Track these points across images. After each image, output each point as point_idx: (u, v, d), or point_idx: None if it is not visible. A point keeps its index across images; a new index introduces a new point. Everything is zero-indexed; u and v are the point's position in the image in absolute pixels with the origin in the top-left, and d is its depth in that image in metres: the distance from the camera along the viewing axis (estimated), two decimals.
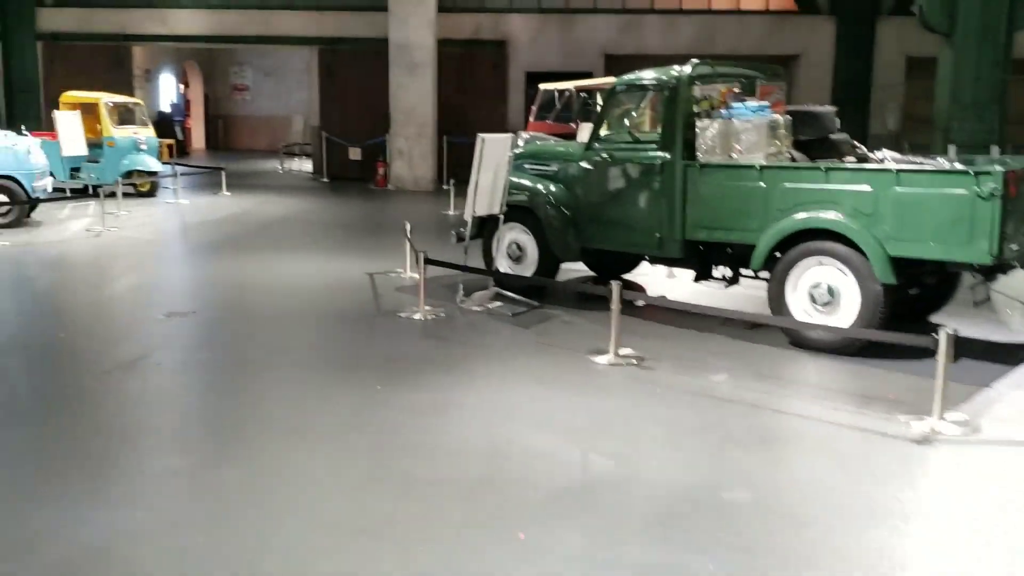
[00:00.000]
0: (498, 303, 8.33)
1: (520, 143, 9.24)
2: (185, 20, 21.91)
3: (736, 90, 7.56)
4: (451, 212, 15.16)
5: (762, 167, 7.10)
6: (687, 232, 7.58)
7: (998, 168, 6.08)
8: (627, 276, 9.62)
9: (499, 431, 5.26)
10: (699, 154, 7.48)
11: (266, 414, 5.49)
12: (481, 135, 8.06)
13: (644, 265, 9.08)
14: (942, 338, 5.26)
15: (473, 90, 20.58)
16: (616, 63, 20.57)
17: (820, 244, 6.85)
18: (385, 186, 19.60)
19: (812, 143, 7.73)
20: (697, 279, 7.86)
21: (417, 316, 7.85)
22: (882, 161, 7.64)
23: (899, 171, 6.46)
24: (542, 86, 15.88)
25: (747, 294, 8.27)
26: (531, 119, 15.90)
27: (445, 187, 18.18)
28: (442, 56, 19.50)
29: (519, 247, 8.81)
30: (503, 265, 8.88)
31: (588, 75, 19.57)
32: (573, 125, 14.83)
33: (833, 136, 7.92)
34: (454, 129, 19.66)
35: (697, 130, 7.47)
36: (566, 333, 7.47)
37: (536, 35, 21.16)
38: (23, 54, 21.65)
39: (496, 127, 20.02)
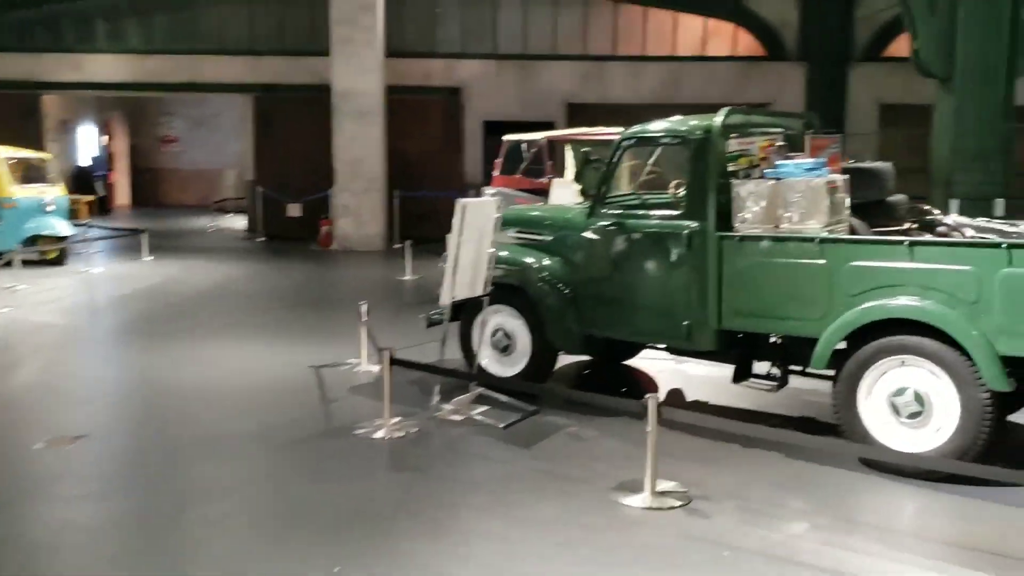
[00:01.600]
0: (483, 407, 6.66)
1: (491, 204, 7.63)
2: (104, 66, 19.96)
3: (779, 143, 6.09)
4: (407, 277, 13.46)
5: (823, 240, 5.60)
6: (723, 320, 6.02)
7: None
8: (629, 361, 8.06)
9: None
10: (737, 223, 5.97)
11: None
12: (462, 200, 6.44)
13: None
14: None
15: (426, 140, 19.00)
16: (579, 112, 19.27)
17: (904, 339, 5.35)
18: (329, 246, 17.81)
19: (868, 207, 6.27)
20: (737, 379, 6.29)
21: (380, 434, 6.11)
22: (956, 228, 6.22)
23: (1012, 246, 5.00)
24: (507, 137, 14.40)
25: (801, 397, 6.74)
26: (496, 173, 14.37)
27: (397, 246, 16.52)
28: (391, 104, 17.93)
29: (507, 334, 7.16)
30: (487, 357, 7.22)
31: (550, 125, 18.19)
32: (545, 180, 13.33)
33: (891, 198, 6.49)
34: (406, 183, 18.02)
35: (733, 194, 5.97)
36: (578, 455, 5.81)
37: (493, 82, 19.76)
38: None
39: (452, 180, 18.53)
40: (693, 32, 20.11)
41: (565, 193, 12.49)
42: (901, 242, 5.35)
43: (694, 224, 6.11)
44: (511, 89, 19.76)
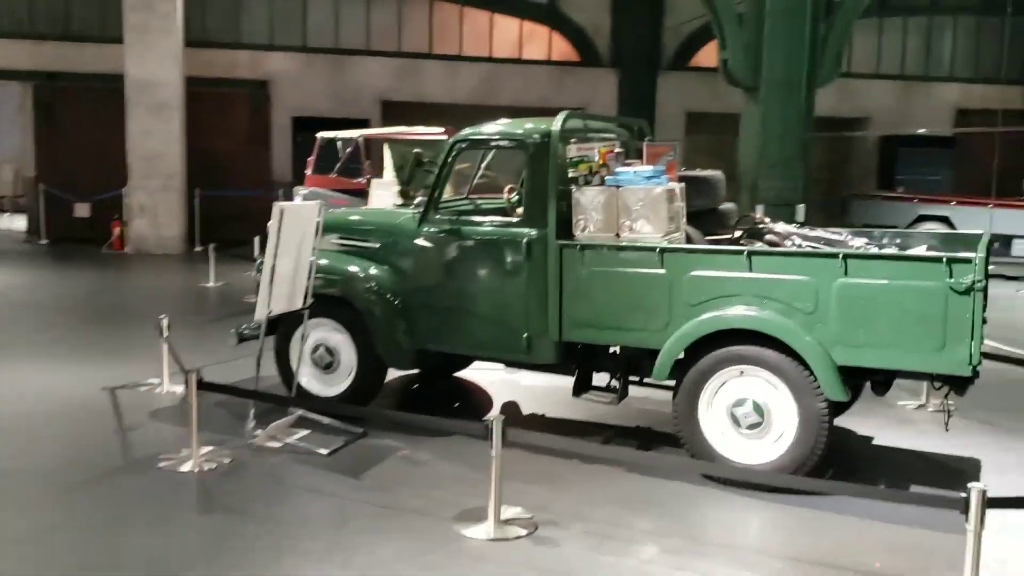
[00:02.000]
0: (304, 432, 6.09)
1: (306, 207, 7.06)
2: None
3: (618, 150, 5.91)
4: (211, 284, 12.50)
5: (664, 250, 5.46)
6: (564, 332, 5.77)
7: (978, 255, 4.80)
8: (459, 372, 7.71)
9: None
10: (577, 231, 5.74)
11: None
12: (279, 204, 5.83)
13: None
14: (974, 497, 3.79)
15: (231, 136, 17.83)
16: (395, 110, 18.78)
17: (743, 350, 5.29)
18: (122, 249, 16.37)
19: (701, 215, 6.22)
20: (577, 392, 6.06)
21: (188, 466, 5.43)
22: (786, 237, 6.28)
23: (846, 257, 5.03)
24: (321, 134, 13.69)
25: (641, 407, 6.60)
26: (309, 172, 13.62)
27: (198, 249, 15.41)
28: (192, 96, 16.68)
29: (329, 350, 6.60)
30: (307, 375, 6.65)
31: (365, 123, 17.60)
32: (363, 181, 12.76)
33: (722, 207, 6.48)
34: (209, 181, 16.84)
35: (574, 201, 5.73)
36: (414, 482, 5.36)
37: (303, 76, 18.88)
38: None
39: (259, 178, 17.47)
40: (510, 34, 20.09)
41: (385, 194, 12.00)
42: (740, 252, 5.28)
43: (533, 232, 5.83)
44: (322, 84, 18.97)
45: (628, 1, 19.70)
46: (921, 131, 19.62)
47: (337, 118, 17.59)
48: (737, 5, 13.65)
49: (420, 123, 14.48)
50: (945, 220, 15.08)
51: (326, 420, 6.27)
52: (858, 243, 6.29)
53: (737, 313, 5.26)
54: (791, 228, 6.35)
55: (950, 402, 5.24)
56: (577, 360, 6.04)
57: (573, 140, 5.93)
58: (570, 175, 5.78)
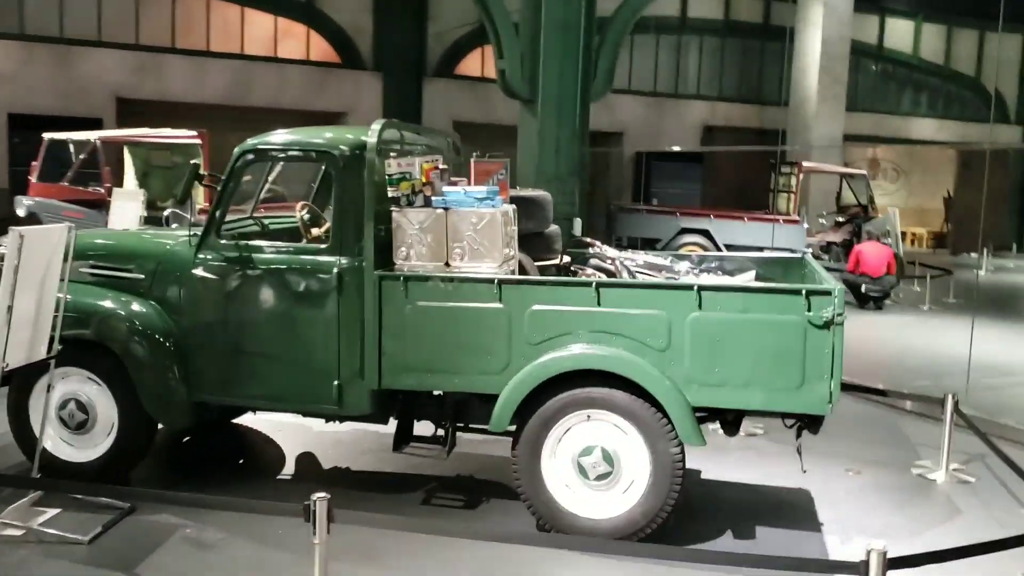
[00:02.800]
0: (54, 511, 4.83)
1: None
2: None
3: (442, 166, 5.18)
4: None
5: (502, 282, 4.80)
6: (384, 378, 4.95)
7: (838, 285, 4.55)
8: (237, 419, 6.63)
9: None
10: (398, 260, 4.95)
11: None
12: (17, 229, 4.55)
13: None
14: (874, 561, 3.46)
15: None
16: (133, 109, 16.81)
17: (592, 392, 4.74)
18: None
19: (528, 239, 5.63)
20: (398, 445, 5.23)
21: None
22: (617, 262, 5.84)
23: (700, 289, 4.62)
24: (48, 136, 11.77)
25: (466, 452, 5.87)
26: (33, 178, 11.67)
27: None
28: None
29: (82, 406, 5.33)
30: (54, 439, 5.34)
31: (98, 122, 15.58)
32: (102, 190, 11.08)
33: (548, 230, 5.93)
34: None
35: (395, 225, 4.94)
36: (206, 572, 4.33)
37: (21, 68, 16.41)
38: None
39: None
40: (263, 30, 18.69)
41: (130, 206, 10.50)
42: (588, 284, 4.73)
43: (344, 261, 4.96)
44: (44, 78, 16.62)
45: (390, 3, 18.96)
46: (674, 148, 20.45)
47: (64, 116, 15.44)
48: (512, 15, 13.35)
49: (165, 124, 12.94)
50: (706, 233, 15.66)
51: (83, 495, 5.04)
52: (682, 268, 6.01)
53: (585, 352, 4.71)
54: (623, 254, 5.95)
55: (799, 440, 4.99)
56: (396, 409, 5.24)
57: (392, 153, 5.13)
58: (389, 194, 4.97)
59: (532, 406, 4.80)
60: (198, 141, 11.99)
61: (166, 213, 11.07)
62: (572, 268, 5.83)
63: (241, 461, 6.16)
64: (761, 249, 15.60)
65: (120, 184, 12.11)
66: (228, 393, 5.26)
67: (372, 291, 4.88)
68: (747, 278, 5.71)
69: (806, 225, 15.80)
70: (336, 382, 4.99)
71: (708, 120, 22.25)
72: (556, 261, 5.87)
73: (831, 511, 5.40)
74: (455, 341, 4.85)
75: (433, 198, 4.94)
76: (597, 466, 4.76)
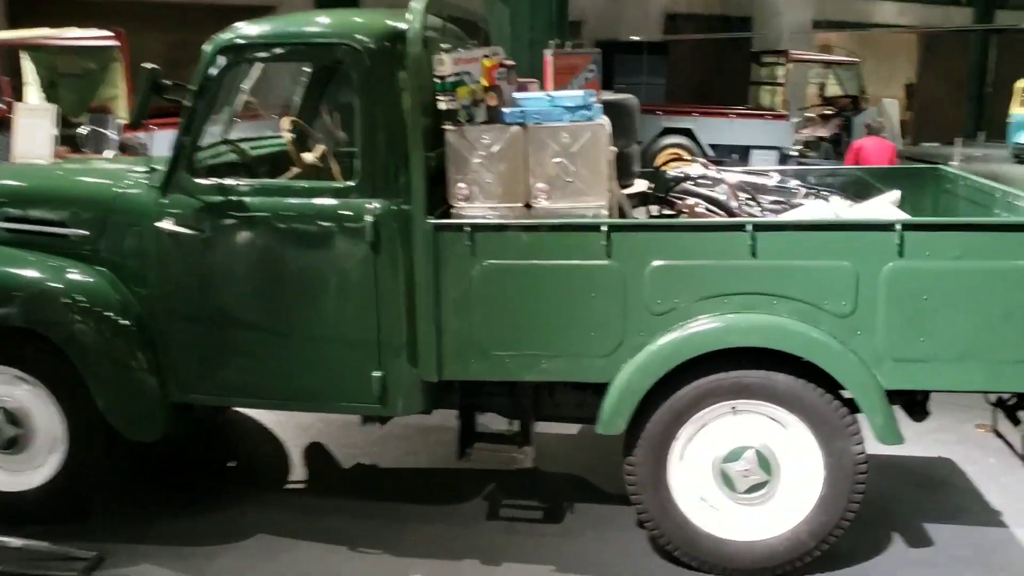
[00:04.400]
0: None
1: None
2: None
3: (508, 62, 3.67)
4: None
5: (611, 228, 3.39)
6: (446, 367, 3.53)
7: None
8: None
9: None
10: (457, 203, 3.49)
11: None
12: None
13: None
14: None
15: None
16: (26, 7, 14.41)
17: (741, 377, 3.44)
18: None
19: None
20: (463, 449, 3.84)
21: None
22: (718, 183, 4.45)
23: (906, 227, 3.28)
24: None
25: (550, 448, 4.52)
26: None
27: None
28: None
29: (11, 416, 3.82)
30: None
31: None
32: (2, 106, 9.15)
33: (630, 148, 4.48)
34: None
35: (449, 150, 3.46)
36: None
37: None
38: None
39: None
40: None
41: (40, 125, 8.64)
42: (741, 226, 3.35)
43: (379, 205, 3.48)
44: None
45: None
46: (635, 38, 18.85)
47: None
48: None
49: (72, 23, 10.87)
50: (688, 132, 14.34)
51: (20, 542, 3.61)
52: (796, 186, 4.67)
53: (735, 323, 3.37)
54: (715, 172, 4.56)
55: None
56: (455, 400, 3.85)
57: (444, 46, 3.60)
58: (440, 106, 3.47)
59: (654, 397, 3.47)
60: (116, 43, 10.02)
61: (82, 131, 9.23)
62: (659, 198, 4.42)
63: (232, 464, 4.72)
64: (747, 148, 14.41)
65: (20, 98, 10.11)
66: (221, 390, 3.79)
67: (425, 247, 3.42)
68: (889, 200, 4.39)
69: (795, 120, 14.60)
70: (377, 373, 3.57)
71: (671, 7, 20.62)
72: (634, 189, 4.47)
73: None
74: (544, 313, 3.45)
75: (503, 110, 3.46)
76: (749, 474, 3.49)
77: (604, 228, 3.35)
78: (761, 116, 14.36)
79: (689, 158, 14.10)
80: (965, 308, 3.27)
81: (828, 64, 16.00)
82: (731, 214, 4.16)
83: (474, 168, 3.47)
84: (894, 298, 3.29)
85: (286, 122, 4.27)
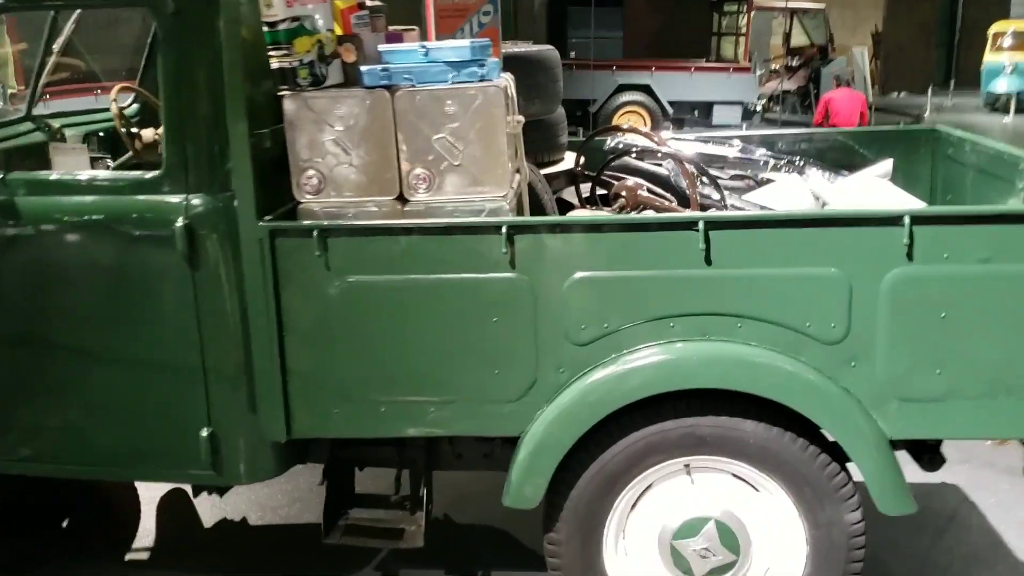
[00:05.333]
0: None
1: None
2: None
3: (372, 3, 2.70)
4: None
5: (513, 229, 2.44)
6: (297, 420, 2.59)
7: None
8: None
9: None
10: (304, 196, 2.54)
11: None
12: None
13: None
14: None
15: None
16: None
17: (695, 425, 2.53)
18: None
19: (528, 133, 3.24)
20: (329, 530, 2.91)
21: None
22: (666, 162, 3.51)
23: (915, 219, 2.38)
24: None
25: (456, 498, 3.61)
26: None
27: None
28: None
29: None
30: None
31: None
32: None
33: (550, 116, 3.51)
34: None
35: (289, 125, 2.50)
36: None
37: None
38: None
39: None
40: None
41: None
42: (690, 222, 2.42)
43: (197, 201, 2.51)
44: None
45: None
46: None
47: None
48: None
49: None
50: (647, 89, 13.36)
51: None
52: (763, 156, 3.75)
53: (690, 355, 2.46)
54: (661, 139, 3.62)
55: None
56: (323, 455, 2.91)
57: None
58: (273, 64, 2.49)
59: (580, 455, 2.57)
60: None
61: None
62: (589, 177, 3.47)
63: (65, 524, 3.75)
64: (710, 104, 13.49)
65: None
66: (10, 455, 2.82)
67: (257, 259, 2.46)
68: (882, 171, 3.49)
69: (759, 72, 13.68)
70: (205, 430, 2.62)
71: None
72: (564, 165, 3.54)
73: None
74: (429, 346, 2.51)
75: (363, 68, 2.49)
76: (710, 554, 2.61)
77: (504, 229, 2.41)
78: (723, 69, 13.42)
79: (646, 116, 13.21)
80: (997, 329, 2.39)
81: (793, 12, 15.03)
82: (682, 199, 3.23)
83: (326, 149, 2.52)
84: (901, 317, 2.40)
85: (116, 90, 3.31)
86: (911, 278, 2.38)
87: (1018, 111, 17.60)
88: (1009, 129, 16.64)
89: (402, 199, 2.55)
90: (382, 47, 2.55)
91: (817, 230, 2.41)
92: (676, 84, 13.29)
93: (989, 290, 2.37)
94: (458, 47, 2.48)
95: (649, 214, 3.14)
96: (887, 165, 3.45)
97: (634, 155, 3.50)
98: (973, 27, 21.99)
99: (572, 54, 17.11)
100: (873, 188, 3.09)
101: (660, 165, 3.42)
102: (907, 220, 2.34)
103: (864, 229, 2.39)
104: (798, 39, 15.34)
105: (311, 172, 2.54)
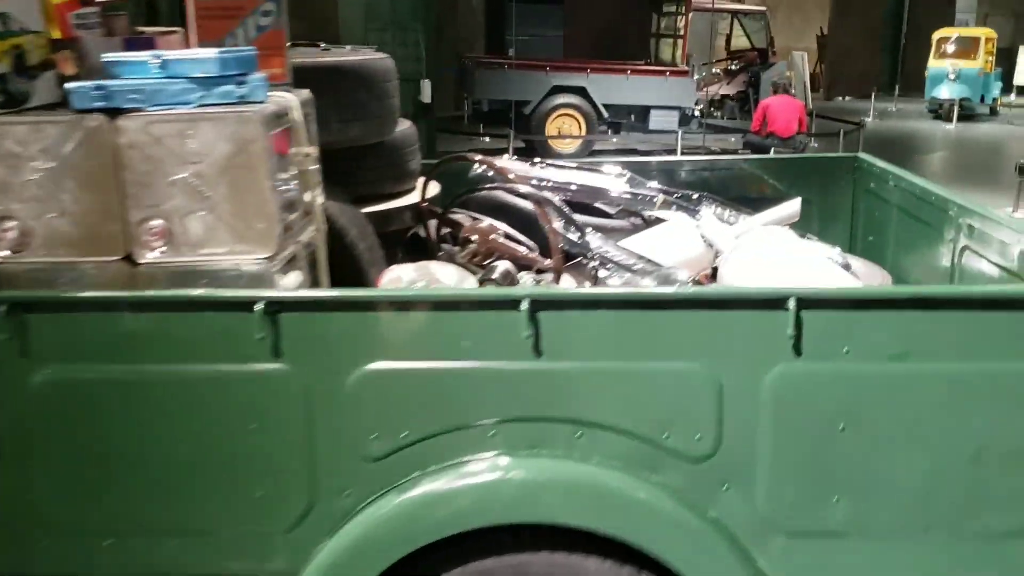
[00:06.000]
0: None
1: None
2: None
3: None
4: None
5: (273, 306, 1.80)
6: None
7: None
8: None
9: None
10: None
11: None
12: None
13: None
14: None
15: None
16: None
17: (522, 564, 1.92)
18: None
19: (351, 161, 2.60)
20: None
21: None
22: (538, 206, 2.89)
23: (802, 301, 1.77)
24: None
25: None
26: None
27: None
28: None
29: None
30: None
31: None
32: None
33: (394, 135, 2.87)
34: None
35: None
36: None
37: None
38: None
39: None
40: None
41: None
42: (512, 302, 1.80)
43: None
44: None
45: None
46: None
47: None
48: None
49: None
50: (582, 91, 12.79)
51: None
52: (652, 191, 3.16)
53: (512, 478, 1.85)
54: (529, 169, 3.00)
55: None
56: None
57: None
58: None
59: None
60: None
61: None
62: (436, 215, 2.84)
63: None
64: (647, 109, 12.96)
65: None
66: None
67: None
68: (787, 213, 2.91)
69: (696, 76, 13.18)
70: None
71: None
72: (412, 199, 2.91)
73: None
74: (169, 462, 1.86)
75: (71, 86, 1.83)
76: None
77: (260, 306, 1.77)
78: (660, 73, 12.89)
79: (580, 120, 12.64)
80: (913, 448, 1.81)
81: (734, 14, 14.57)
82: (544, 248, 2.62)
83: (25, 193, 1.85)
84: (787, 428, 1.81)
85: None
86: (799, 378, 1.79)
87: (960, 118, 17.39)
88: (952, 137, 16.41)
89: (131, 261, 1.89)
90: (108, 57, 1.89)
91: (675, 312, 1.81)
92: (612, 87, 12.74)
93: (904, 397, 1.79)
94: (205, 58, 1.83)
95: (504, 267, 2.53)
96: (794, 206, 2.87)
97: (493, 189, 2.87)
98: (919, 31, 21.82)
99: (510, 52, 16.51)
100: (770, 241, 2.50)
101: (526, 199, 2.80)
102: (792, 303, 1.75)
103: (736, 313, 1.79)
104: (739, 42, 14.90)
105: (9, 223, 1.87)
